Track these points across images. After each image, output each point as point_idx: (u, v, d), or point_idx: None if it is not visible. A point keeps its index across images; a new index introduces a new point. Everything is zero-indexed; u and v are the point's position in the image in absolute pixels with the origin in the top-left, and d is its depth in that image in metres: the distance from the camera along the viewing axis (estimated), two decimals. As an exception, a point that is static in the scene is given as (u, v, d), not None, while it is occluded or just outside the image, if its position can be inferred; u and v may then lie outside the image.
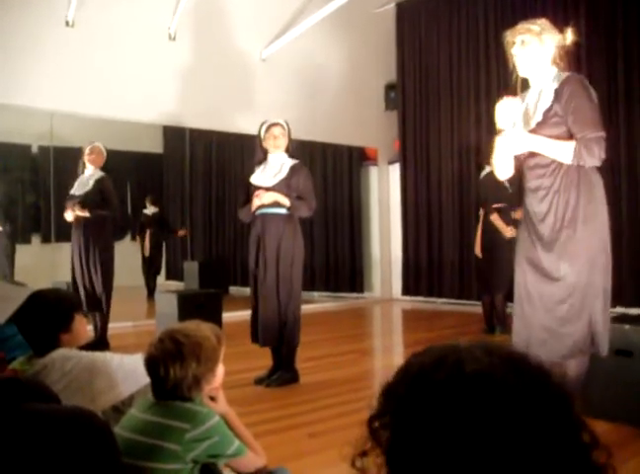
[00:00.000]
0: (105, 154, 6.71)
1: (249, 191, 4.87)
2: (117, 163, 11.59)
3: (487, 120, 8.95)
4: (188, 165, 11.75)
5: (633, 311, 7.29)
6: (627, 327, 3.61)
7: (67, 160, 10.68)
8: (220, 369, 2.11)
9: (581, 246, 3.14)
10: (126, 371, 2.35)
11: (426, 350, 0.97)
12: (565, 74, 3.22)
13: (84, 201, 6.35)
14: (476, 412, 0.84)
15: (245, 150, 11.17)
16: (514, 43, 3.31)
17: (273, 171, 4.80)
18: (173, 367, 1.93)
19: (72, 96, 7.18)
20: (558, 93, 3.18)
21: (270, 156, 4.87)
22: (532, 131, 3.23)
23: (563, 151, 3.12)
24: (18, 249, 9.20)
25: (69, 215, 6.42)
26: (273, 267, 4.73)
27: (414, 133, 9.88)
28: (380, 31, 10.09)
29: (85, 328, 2.53)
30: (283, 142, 4.84)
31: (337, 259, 10.77)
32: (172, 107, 7.94)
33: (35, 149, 10.27)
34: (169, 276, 12.21)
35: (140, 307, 9.77)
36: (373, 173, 10.50)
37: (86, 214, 6.28)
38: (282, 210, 4.73)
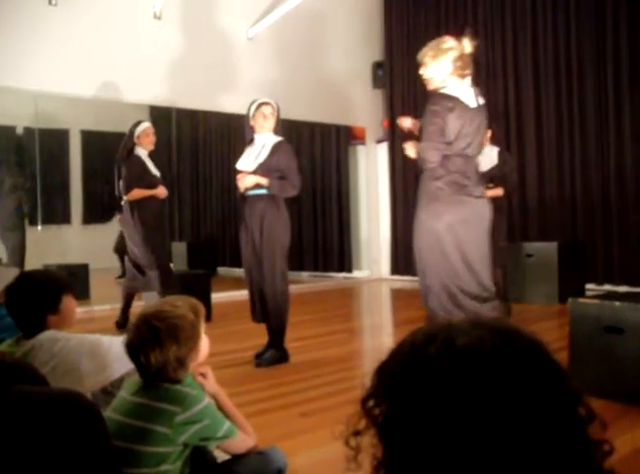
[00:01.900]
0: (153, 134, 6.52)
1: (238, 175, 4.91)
2: (103, 144, 11.59)
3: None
4: (175, 145, 11.66)
5: (622, 289, 7.33)
6: (617, 304, 3.61)
7: (52, 142, 10.64)
8: (204, 342, 2.07)
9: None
10: (116, 353, 2.32)
11: (417, 329, 0.96)
12: (435, 92, 4.04)
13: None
14: (469, 384, 0.83)
15: (232, 130, 11.12)
16: (420, 65, 4.09)
17: (255, 154, 4.81)
18: (153, 354, 1.90)
19: (57, 76, 7.10)
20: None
21: (256, 136, 4.86)
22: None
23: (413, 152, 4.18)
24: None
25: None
26: (257, 245, 4.76)
27: (402, 112, 9.81)
28: (368, 8, 10.02)
29: (74, 309, 2.49)
30: (271, 123, 4.82)
31: (325, 239, 10.76)
32: (158, 86, 7.87)
33: (19, 131, 10.17)
34: (157, 258, 12.17)
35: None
36: (361, 152, 10.45)
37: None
38: (264, 191, 4.73)
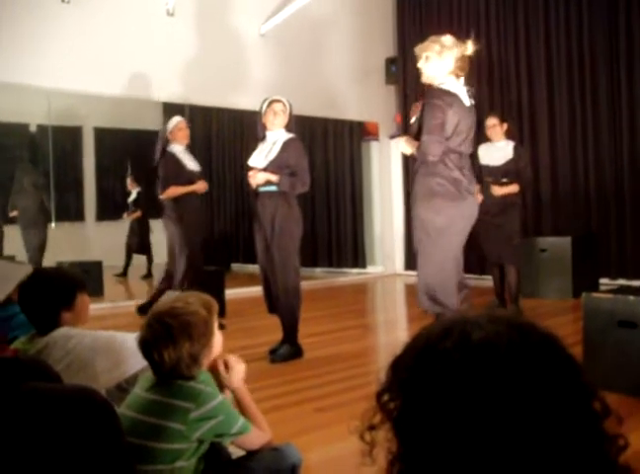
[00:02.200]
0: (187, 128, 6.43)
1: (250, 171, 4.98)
2: (116, 141, 11.63)
3: (488, 95, 8.90)
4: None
5: (635, 283, 7.29)
6: (631, 298, 3.60)
7: (66, 139, 10.69)
8: (217, 338, 2.06)
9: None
10: (130, 350, 2.33)
11: (432, 323, 0.96)
12: (436, 87, 4.14)
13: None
14: (484, 378, 0.83)
15: (245, 126, 11.12)
16: (420, 58, 4.19)
17: (266, 151, 4.86)
18: (166, 351, 1.90)
19: (70, 74, 7.11)
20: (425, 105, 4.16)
21: (268, 133, 4.89)
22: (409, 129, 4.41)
23: (413, 148, 4.20)
24: (16, 229, 9.22)
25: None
26: (269, 241, 4.81)
27: (415, 107, 9.81)
28: (381, 4, 9.99)
29: (87, 307, 2.51)
30: (282, 120, 4.85)
31: (339, 235, 10.75)
32: (171, 83, 7.87)
33: (33, 128, 10.22)
34: (172, 254, 12.20)
35: (144, 286, 9.78)
36: (375, 148, 10.42)
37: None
38: (275, 188, 4.78)
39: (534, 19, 8.36)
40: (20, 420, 1.16)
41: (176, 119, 6.32)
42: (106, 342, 2.37)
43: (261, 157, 4.86)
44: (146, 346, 1.95)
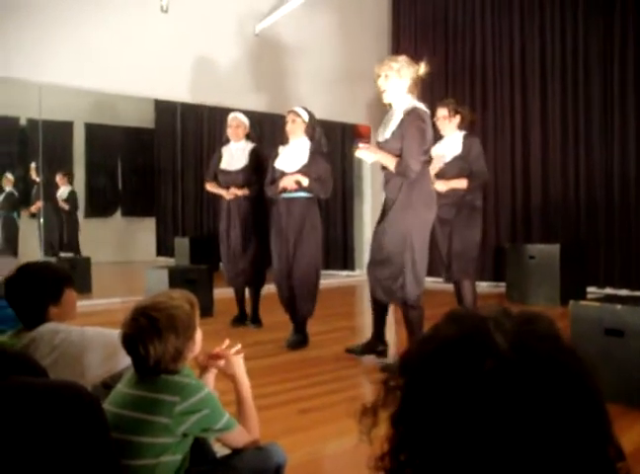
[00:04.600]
0: (247, 124, 6.24)
1: (274, 171, 5.41)
2: (107, 138, 11.60)
3: (481, 96, 8.93)
4: (179, 140, 11.68)
5: (623, 292, 7.33)
6: (619, 307, 3.63)
7: (56, 133, 10.64)
8: (198, 334, 2.07)
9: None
10: (117, 347, 2.32)
11: (452, 318, 0.93)
12: (411, 106, 4.40)
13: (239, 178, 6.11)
14: (499, 390, 0.81)
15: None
16: (379, 76, 4.46)
17: (294, 157, 5.29)
18: (152, 344, 1.90)
19: (61, 68, 7.08)
20: (402, 122, 4.38)
21: (291, 140, 5.38)
22: (380, 144, 4.56)
23: (391, 164, 4.40)
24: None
25: (227, 194, 6.14)
26: (293, 243, 5.26)
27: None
28: (375, 6, 10.01)
29: (75, 302, 2.50)
30: (297, 128, 5.32)
31: (328, 237, 10.72)
32: (163, 80, 7.85)
33: (23, 122, 10.18)
34: (160, 253, 12.20)
35: (128, 283, 9.73)
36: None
37: (246, 193, 6.04)
38: (305, 194, 5.23)
39: (529, 21, 8.39)
40: (6, 413, 1.16)
41: (229, 116, 6.27)
42: (93, 338, 2.36)
43: (290, 162, 5.29)
44: (130, 340, 1.94)
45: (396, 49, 9.99)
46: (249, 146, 6.14)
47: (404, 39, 9.96)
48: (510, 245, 7.81)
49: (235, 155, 6.13)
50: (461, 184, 5.54)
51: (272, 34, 8.71)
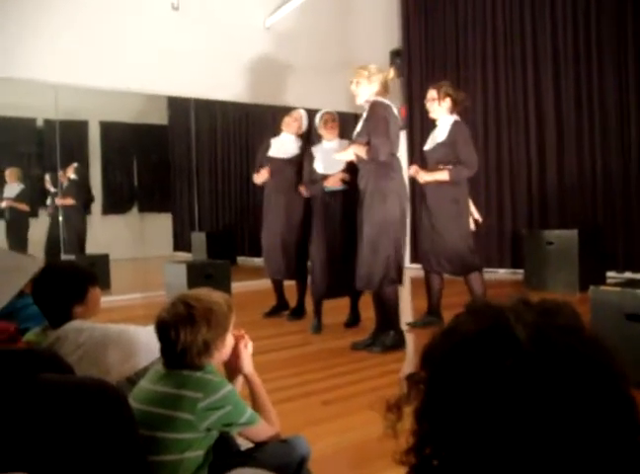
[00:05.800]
0: (304, 120, 6.41)
1: (311, 171, 5.83)
2: (122, 135, 11.64)
3: (493, 86, 8.88)
4: (193, 136, 11.69)
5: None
6: (639, 291, 3.59)
7: (72, 133, 10.69)
8: (230, 339, 2.10)
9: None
10: (141, 343, 2.35)
11: (471, 311, 0.93)
12: (373, 100, 4.86)
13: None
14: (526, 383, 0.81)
15: (250, 119, 11.13)
16: (351, 83, 4.96)
17: (331, 159, 5.53)
18: (184, 330, 1.93)
19: (76, 68, 7.13)
20: (368, 116, 4.86)
21: (324, 142, 5.85)
22: (353, 140, 5.02)
23: (363, 151, 4.80)
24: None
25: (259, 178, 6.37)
26: (340, 227, 5.60)
27: (420, 100, 9.76)
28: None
29: (98, 300, 2.54)
30: (334, 130, 5.84)
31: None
32: (176, 77, 7.87)
33: (40, 123, 10.23)
34: (177, 248, 12.24)
35: (147, 278, 9.78)
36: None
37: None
38: (343, 187, 5.65)
39: (541, 10, 8.32)
40: (35, 411, 1.17)
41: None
42: (117, 335, 2.38)
43: (329, 165, 5.68)
44: (164, 324, 1.97)
45: (407, 41, 9.96)
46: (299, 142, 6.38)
47: (413, 31, 9.91)
48: (527, 231, 7.77)
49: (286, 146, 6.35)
50: (444, 175, 5.34)
51: (282, 27, 8.70)
